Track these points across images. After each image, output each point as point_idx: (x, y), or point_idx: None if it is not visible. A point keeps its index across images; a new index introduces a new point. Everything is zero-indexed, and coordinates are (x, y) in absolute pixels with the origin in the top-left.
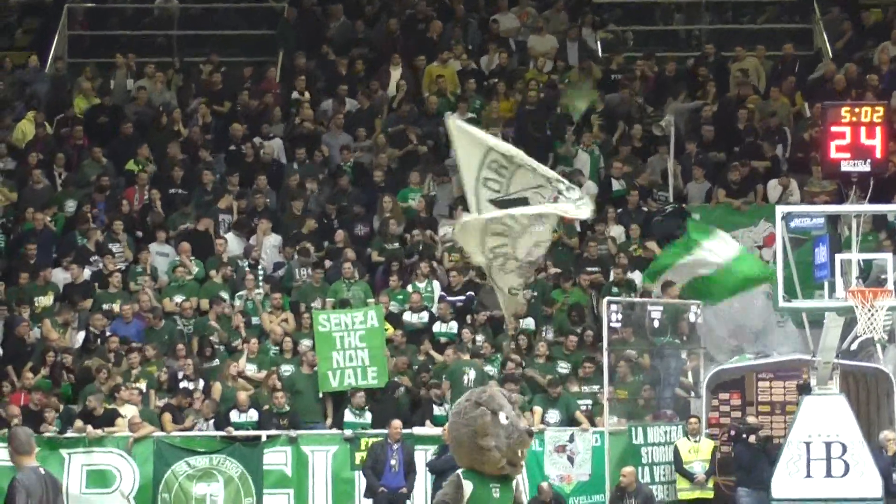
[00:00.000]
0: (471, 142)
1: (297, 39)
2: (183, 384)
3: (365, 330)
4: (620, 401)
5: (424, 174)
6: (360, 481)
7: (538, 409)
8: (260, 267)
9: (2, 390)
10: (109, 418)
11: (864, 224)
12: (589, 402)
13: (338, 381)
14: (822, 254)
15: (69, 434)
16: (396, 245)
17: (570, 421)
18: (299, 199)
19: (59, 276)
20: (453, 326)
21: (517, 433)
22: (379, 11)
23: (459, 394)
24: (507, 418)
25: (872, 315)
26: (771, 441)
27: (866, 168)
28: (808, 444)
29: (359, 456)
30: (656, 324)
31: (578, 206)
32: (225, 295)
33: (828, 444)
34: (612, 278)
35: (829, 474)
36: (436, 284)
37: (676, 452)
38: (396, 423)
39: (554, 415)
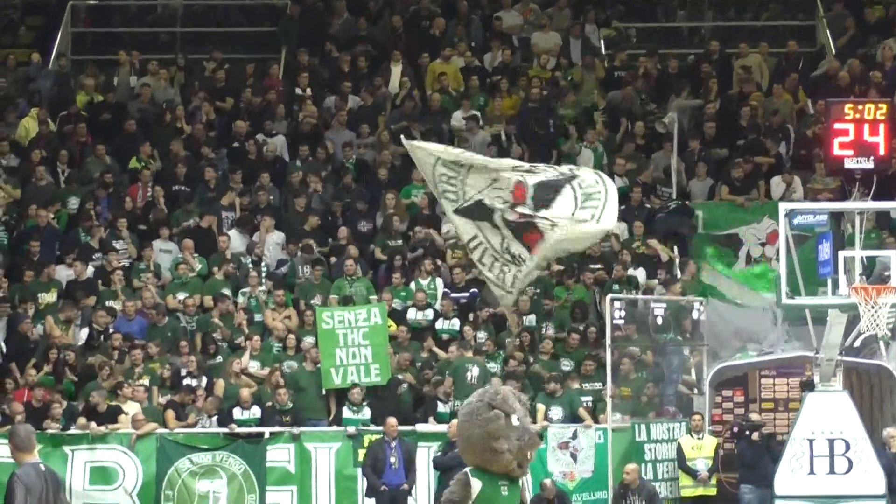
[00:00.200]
0: (424, 159)
1: (300, 36)
2: (186, 381)
3: (368, 327)
4: (623, 398)
5: None
6: (363, 478)
7: (541, 407)
8: (263, 264)
9: (5, 387)
10: (112, 415)
11: (868, 221)
12: (590, 399)
13: (341, 378)
14: (825, 251)
15: (72, 431)
16: (400, 242)
17: (573, 418)
18: (302, 196)
19: (63, 273)
20: (455, 323)
21: (528, 435)
22: (382, 8)
23: (462, 391)
24: (518, 420)
25: (876, 312)
26: (774, 438)
27: (870, 165)
28: (811, 440)
29: (362, 453)
30: (659, 321)
31: (592, 211)
32: (227, 292)
33: (831, 441)
34: (613, 275)
35: (832, 471)
36: (439, 282)
37: (680, 449)
38: (392, 420)
39: (557, 411)
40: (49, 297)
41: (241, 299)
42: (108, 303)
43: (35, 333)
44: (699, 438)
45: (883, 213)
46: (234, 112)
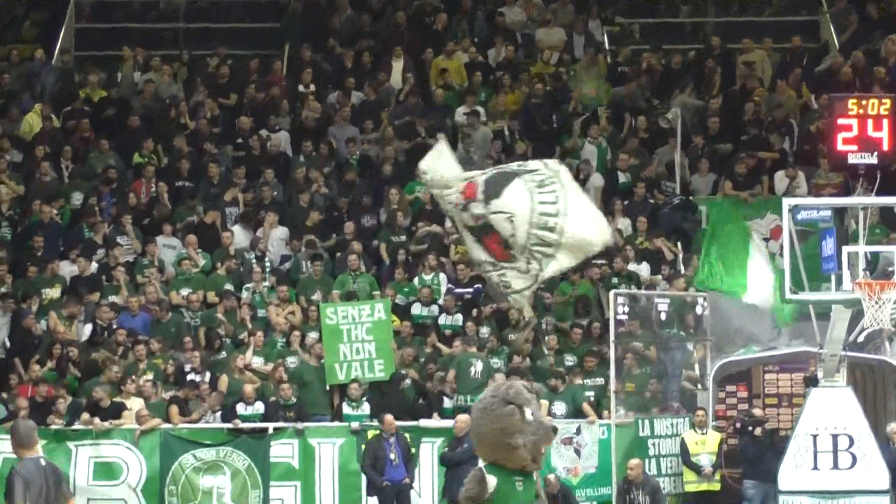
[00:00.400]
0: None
1: (304, 32)
2: (190, 377)
3: (372, 322)
4: (627, 393)
5: None
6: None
7: (544, 403)
8: (267, 259)
9: (9, 383)
10: (116, 411)
11: (872, 216)
12: (593, 394)
13: (344, 373)
14: (829, 246)
15: (76, 426)
16: (403, 238)
17: (576, 413)
18: (306, 192)
19: (66, 269)
20: (458, 319)
21: (542, 430)
22: (385, 4)
23: (466, 386)
24: (532, 415)
25: (879, 307)
26: (777, 433)
27: (873, 160)
28: (814, 436)
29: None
30: (663, 316)
31: (554, 195)
32: (231, 287)
33: (835, 437)
34: (614, 268)
35: (835, 466)
36: (442, 277)
37: (683, 445)
38: (389, 417)
39: (560, 407)
40: (53, 293)
41: (244, 295)
42: (112, 298)
43: (39, 329)
44: (703, 434)
45: (887, 209)
46: (238, 108)
